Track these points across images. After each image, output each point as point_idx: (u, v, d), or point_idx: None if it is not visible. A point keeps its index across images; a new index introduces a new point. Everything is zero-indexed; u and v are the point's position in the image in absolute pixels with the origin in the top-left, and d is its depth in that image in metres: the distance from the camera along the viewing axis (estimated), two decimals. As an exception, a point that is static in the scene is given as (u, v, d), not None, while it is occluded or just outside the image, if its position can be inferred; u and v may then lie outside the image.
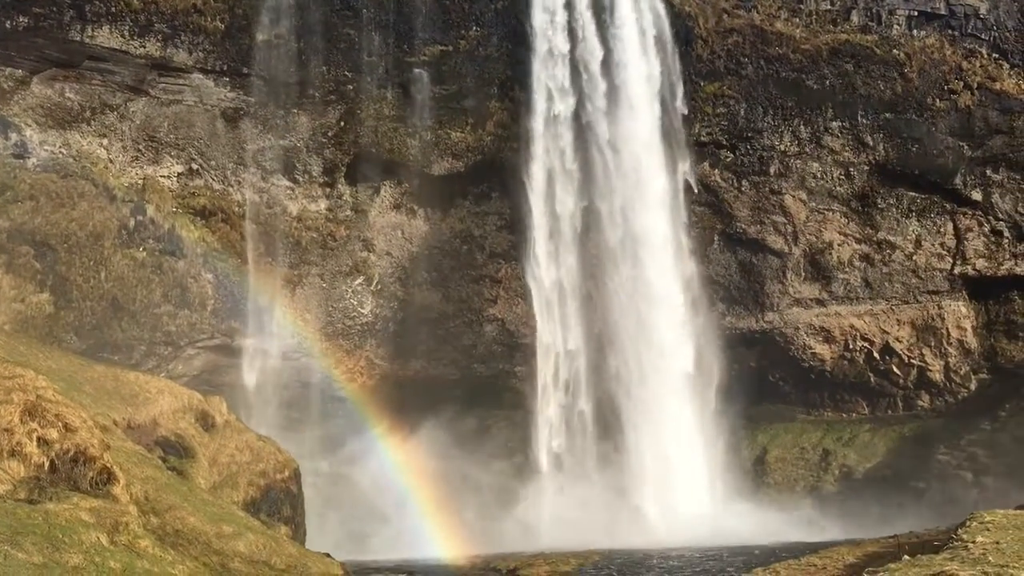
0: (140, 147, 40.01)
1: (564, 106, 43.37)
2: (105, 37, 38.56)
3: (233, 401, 38.03)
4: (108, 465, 19.28)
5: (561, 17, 43.76)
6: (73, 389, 27.26)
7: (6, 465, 17.86)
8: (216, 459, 31.51)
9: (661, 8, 45.40)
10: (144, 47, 39.26)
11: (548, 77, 43.39)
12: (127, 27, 38.84)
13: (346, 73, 42.28)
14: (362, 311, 43.85)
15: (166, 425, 30.76)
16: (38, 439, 18.78)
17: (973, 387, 47.33)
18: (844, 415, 49.07)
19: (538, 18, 43.64)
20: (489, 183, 45.05)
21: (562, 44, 43.48)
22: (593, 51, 43.85)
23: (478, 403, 45.61)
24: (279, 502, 32.86)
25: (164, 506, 21.76)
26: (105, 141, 39.32)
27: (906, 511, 39.59)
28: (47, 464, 18.50)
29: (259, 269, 41.36)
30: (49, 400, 20.46)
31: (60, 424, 19.49)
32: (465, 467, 43.11)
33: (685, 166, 44.91)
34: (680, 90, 45.11)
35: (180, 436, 30.73)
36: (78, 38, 38.08)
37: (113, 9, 38.51)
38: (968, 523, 19.78)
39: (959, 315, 47.69)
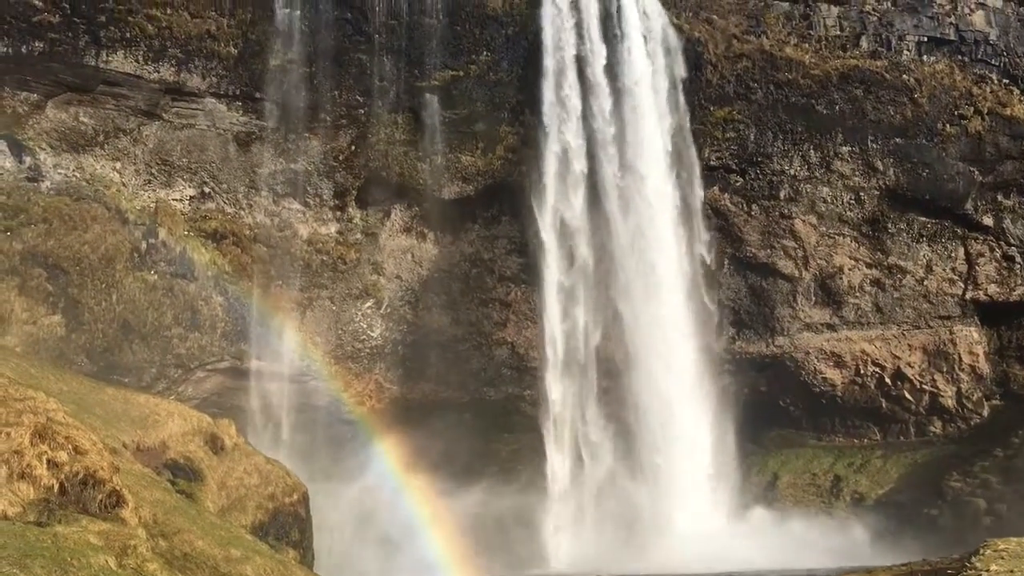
0: (153, 170, 40.28)
1: (576, 138, 43.44)
2: (120, 62, 38.94)
3: (242, 424, 38.03)
4: (117, 488, 19.24)
5: (571, 44, 43.96)
6: (83, 411, 27.30)
7: (16, 487, 17.84)
8: (225, 482, 31.44)
9: (671, 33, 45.59)
10: (158, 72, 39.63)
11: (559, 103, 43.55)
12: (141, 52, 39.23)
13: (357, 98, 42.55)
14: (372, 334, 43.88)
15: (175, 448, 30.73)
16: (48, 461, 18.77)
17: (986, 413, 47.00)
18: (855, 441, 48.74)
19: (549, 44, 43.87)
20: (499, 207, 45.17)
21: (573, 70, 43.64)
22: (602, 78, 43.97)
23: (488, 427, 45.45)
24: (287, 526, 32.75)
25: (172, 529, 21.69)
26: (118, 164, 39.61)
27: (919, 538, 39.19)
28: (57, 486, 18.47)
29: (269, 292, 41.47)
30: (59, 422, 20.47)
31: (70, 447, 19.48)
32: (475, 491, 42.92)
33: (696, 191, 44.95)
34: (689, 114, 45.23)
35: (189, 459, 30.70)
36: (93, 63, 38.45)
37: (128, 34, 38.91)
38: (982, 551, 19.57)
39: (971, 341, 47.45)
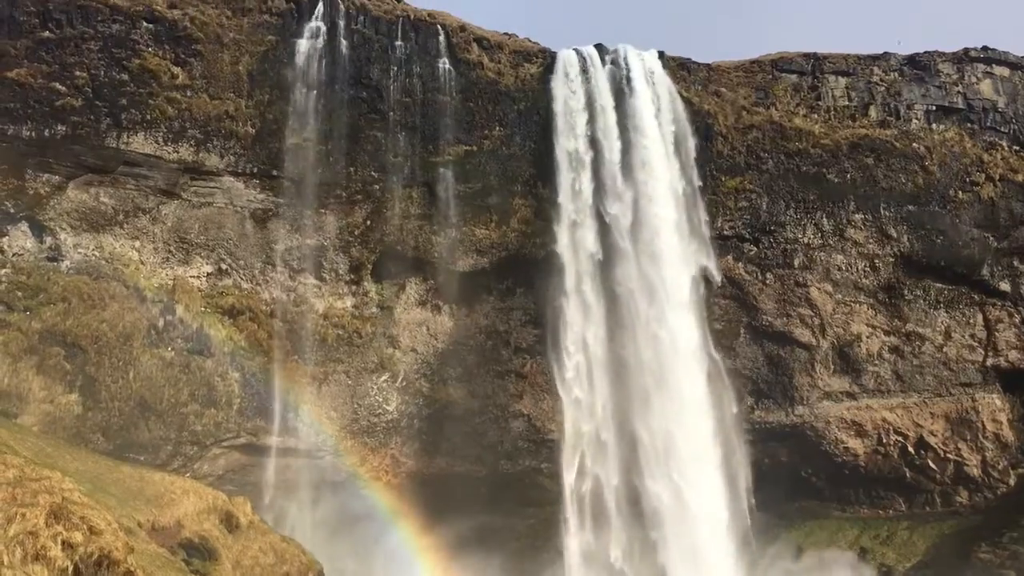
0: (171, 248, 40.73)
1: (587, 209, 43.79)
2: (140, 143, 39.68)
3: (258, 501, 37.69)
4: (132, 569, 19.07)
5: (582, 121, 44.59)
6: (99, 490, 27.17)
7: (31, 569, 17.72)
8: (240, 561, 31.07)
9: (680, 107, 46.22)
10: (177, 152, 40.35)
11: (571, 177, 44.01)
12: (161, 133, 40.00)
13: (372, 173, 43.11)
14: (387, 408, 43.67)
15: (190, 527, 30.46)
16: (63, 542, 18.66)
17: (1012, 482, 46.20)
18: (880, 512, 47.88)
19: (561, 123, 44.56)
20: (514, 278, 45.33)
21: (584, 148, 44.20)
22: (613, 151, 44.44)
23: (504, 500, 44.87)
24: (303, 606, 32.24)
25: (187, 611, 21.39)
26: (137, 243, 40.08)
27: (949, 612, 38.25)
28: (71, 568, 18.34)
29: (285, 367, 41.45)
30: (75, 502, 20.40)
31: (85, 527, 19.38)
32: (492, 565, 42.23)
33: (709, 260, 45.05)
34: (701, 186, 45.57)
35: (204, 538, 30.39)
36: (114, 144, 39.21)
37: (148, 117, 39.73)
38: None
39: (994, 408, 46.88)
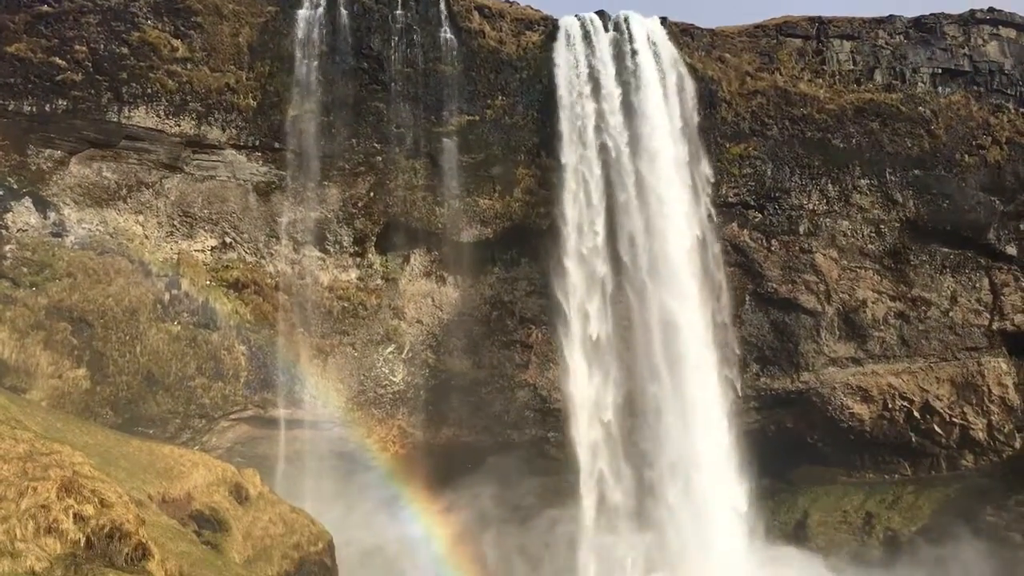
0: (175, 222, 40.69)
1: (593, 182, 43.61)
2: (141, 117, 39.53)
3: (267, 472, 37.93)
4: (143, 541, 19.20)
5: (585, 88, 44.27)
6: (109, 464, 27.35)
7: (43, 542, 17.86)
8: (250, 532, 31.33)
9: (684, 73, 45.86)
10: (179, 126, 40.20)
11: (575, 145, 43.78)
12: (163, 107, 39.84)
13: (375, 145, 42.93)
14: (394, 379, 43.81)
15: (200, 499, 30.70)
16: (74, 515, 18.79)
17: (1018, 445, 46.32)
18: (886, 476, 48.09)
19: (563, 91, 44.21)
20: (518, 249, 45.26)
21: (587, 115, 43.88)
22: (616, 117, 44.18)
23: (511, 470, 45.11)
24: (313, 575, 32.52)
25: (199, 581, 21.60)
26: (141, 218, 40.04)
27: (955, 575, 38.49)
28: (83, 541, 18.47)
29: (291, 340, 41.56)
30: (85, 476, 20.52)
31: (96, 500, 19.51)
32: (499, 534, 42.56)
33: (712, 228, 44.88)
34: (706, 151, 45.32)
35: (214, 509, 30.64)
36: (115, 119, 39.07)
37: (149, 90, 39.56)
38: (1022, 587, 19.15)
39: (1000, 372, 46.90)
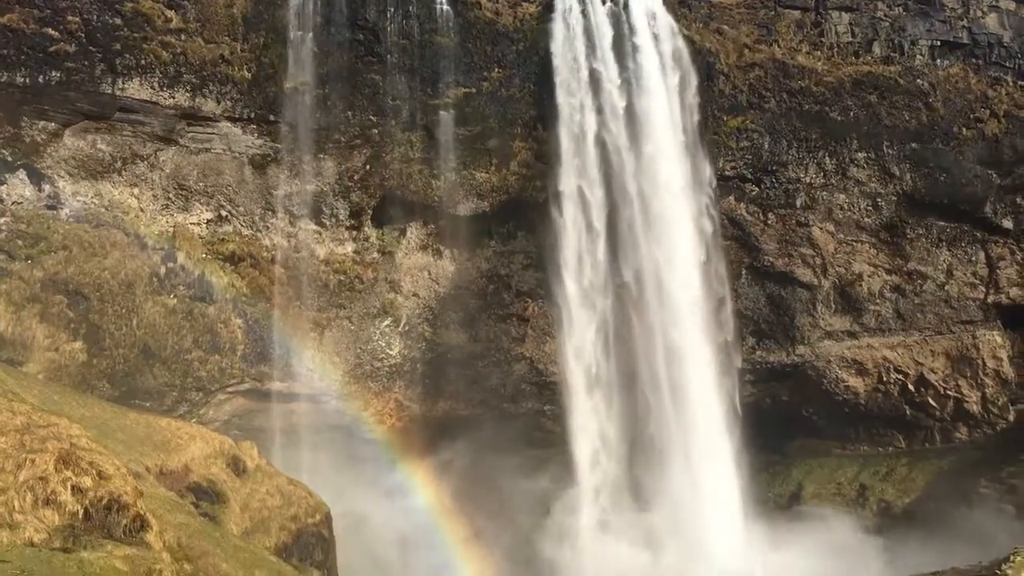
0: (170, 195, 40.54)
1: (589, 151, 43.47)
2: (135, 89, 39.24)
3: (264, 445, 38.07)
4: (141, 512, 19.30)
5: (582, 60, 44.01)
6: (106, 436, 27.41)
7: (41, 514, 17.94)
8: (248, 504, 31.49)
9: (682, 45, 45.58)
10: (173, 98, 39.93)
11: (572, 118, 43.61)
12: (157, 79, 39.54)
13: (371, 117, 42.69)
14: (390, 352, 43.88)
15: (198, 471, 30.82)
16: (72, 487, 18.87)
17: (1012, 418, 46.59)
18: (880, 449, 48.40)
19: (560, 62, 43.95)
20: (515, 222, 45.19)
21: (584, 87, 43.67)
22: (614, 89, 44.00)
23: (508, 443, 45.32)
24: (310, 547, 32.74)
25: (197, 552, 21.72)
26: (136, 190, 39.89)
27: (948, 546, 38.77)
28: (81, 512, 18.56)
29: (288, 313, 41.56)
30: (83, 448, 20.57)
31: (94, 472, 19.58)
32: (496, 507, 42.80)
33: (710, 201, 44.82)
34: (702, 124, 45.14)
35: (212, 481, 30.77)
36: (109, 91, 38.78)
37: (143, 62, 39.23)
38: (1012, 558, 19.40)
39: (994, 345, 47.07)
